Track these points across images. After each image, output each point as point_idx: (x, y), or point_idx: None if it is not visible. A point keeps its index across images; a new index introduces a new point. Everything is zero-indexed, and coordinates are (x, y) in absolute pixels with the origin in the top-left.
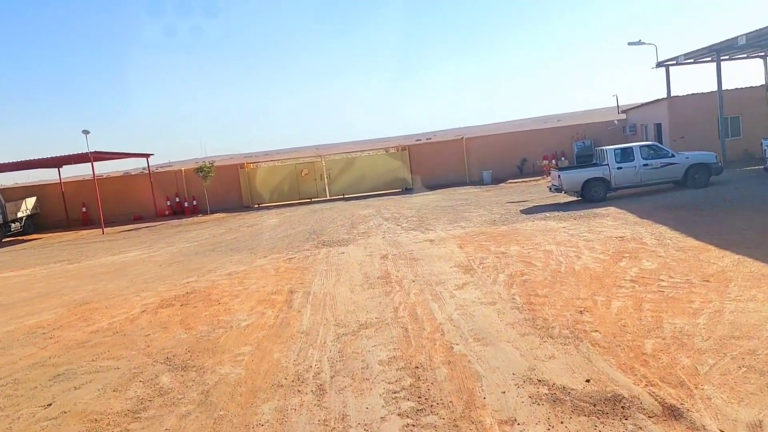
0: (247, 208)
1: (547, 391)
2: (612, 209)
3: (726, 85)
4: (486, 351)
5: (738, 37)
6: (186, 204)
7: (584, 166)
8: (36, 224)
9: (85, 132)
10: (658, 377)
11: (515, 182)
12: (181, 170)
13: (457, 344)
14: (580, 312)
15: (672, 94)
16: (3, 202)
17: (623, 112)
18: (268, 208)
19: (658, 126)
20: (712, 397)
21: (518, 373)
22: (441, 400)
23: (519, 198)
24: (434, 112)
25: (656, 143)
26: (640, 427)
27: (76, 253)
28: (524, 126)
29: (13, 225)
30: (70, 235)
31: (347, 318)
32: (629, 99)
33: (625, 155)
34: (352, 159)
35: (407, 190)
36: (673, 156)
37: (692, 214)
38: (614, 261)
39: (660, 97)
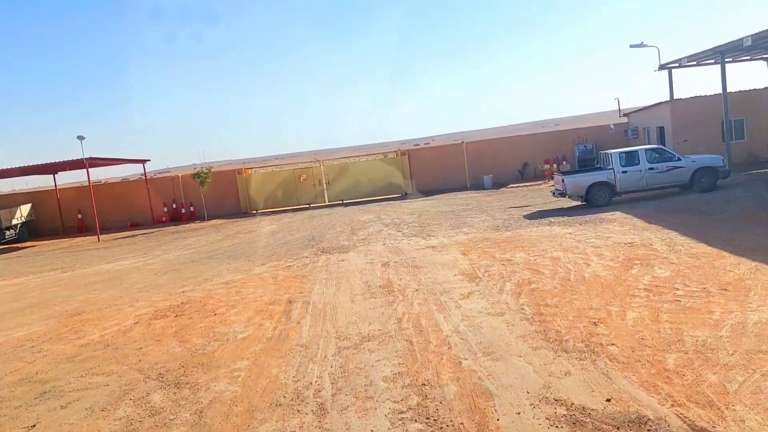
0: (244, 214)
1: (565, 412)
2: (618, 214)
3: (728, 88)
4: (497, 366)
5: (743, 38)
6: (183, 210)
7: (588, 170)
8: (31, 231)
9: (80, 138)
10: (685, 396)
11: (517, 187)
12: (178, 176)
13: (465, 359)
14: (594, 323)
15: (675, 97)
16: None
17: (625, 115)
18: (266, 214)
19: (661, 129)
20: (746, 419)
21: (533, 392)
22: (451, 421)
23: (521, 203)
24: (432, 116)
25: (662, 146)
26: None
27: (70, 261)
28: (522, 130)
29: (7, 232)
30: (65, 243)
31: (348, 330)
32: (631, 102)
33: (630, 159)
34: (350, 164)
35: (407, 195)
36: (679, 159)
37: (702, 218)
38: (625, 268)
39: (662, 100)
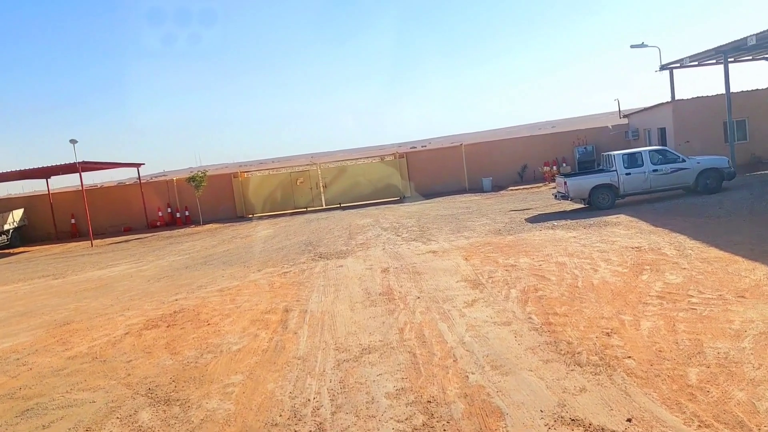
0: (240, 218)
1: None
2: (623, 217)
3: (723, 89)
4: (506, 382)
5: (747, 37)
6: (178, 215)
7: (591, 172)
8: (24, 237)
9: (73, 141)
10: (712, 416)
11: (516, 189)
12: (173, 180)
13: (472, 373)
14: (607, 334)
15: (676, 98)
16: None
17: (625, 116)
18: (262, 218)
19: (662, 130)
20: None
21: (547, 410)
22: None
23: (522, 206)
24: (429, 119)
25: (666, 148)
26: None
27: (62, 267)
28: (518, 132)
29: None
30: (57, 248)
31: (348, 341)
32: (630, 103)
33: (634, 161)
34: (348, 167)
35: (405, 198)
36: (683, 161)
37: (710, 221)
38: (635, 274)
39: (663, 100)
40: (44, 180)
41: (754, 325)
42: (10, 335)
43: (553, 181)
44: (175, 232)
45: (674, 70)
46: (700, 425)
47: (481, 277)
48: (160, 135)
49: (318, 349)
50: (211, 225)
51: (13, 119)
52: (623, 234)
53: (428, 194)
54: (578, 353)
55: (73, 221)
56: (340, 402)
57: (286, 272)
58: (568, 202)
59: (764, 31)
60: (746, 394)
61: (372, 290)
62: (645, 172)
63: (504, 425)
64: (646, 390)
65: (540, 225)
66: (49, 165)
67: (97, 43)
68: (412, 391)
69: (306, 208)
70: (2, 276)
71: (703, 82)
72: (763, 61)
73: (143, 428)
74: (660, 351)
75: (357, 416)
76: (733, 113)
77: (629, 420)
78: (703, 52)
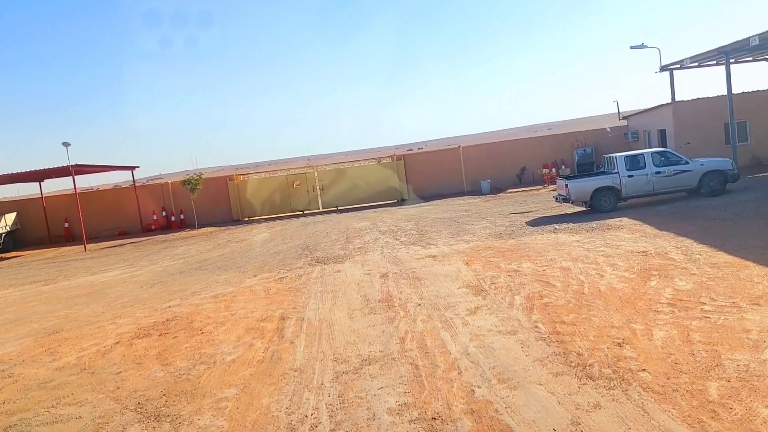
0: (236, 221)
1: None
2: (626, 220)
3: (722, 91)
4: (515, 397)
5: (750, 37)
6: (173, 218)
7: (592, 174)
8: (16, 241)
9: (66, 144)
10: None
11: (515, 192)
12: (168, 183)
13: (478, 387)
14: (619, 345)
15: (676, 99)
16: None
17: (624, 118)
18: (258, 221)
19: (662, 132)
20: None
21: (560, 429)
22: None
23: (522, 208)
24: (425, 121)
25: (669, 149)
26: None
27: (54, 272)
28: (514, 135)
29: None
30: (50, 252)
31: (347, 351)
32: (629, 105)
33: (636, 163)
34: (345, 169)
35: (403, 201)
36: (686, 163)
37: (716, 224)
38: (642, 280)
39: (663, 102)
40: (38, 184)
41: None
42: None
43: (553, 183)
44: (170, 235)
45: (674, 71)
46: None
47: (483, 283)
48: (156, 137)
49: (315, 360)
50: (206, 229)
51: (7, 122)
52: (628, 238)
53: (426, 197)
54: (590, 365)
55: (66, 225)
56: (339, 419)
57: (283, 278)
58: (569, 204)
59: (767, 32)
60: None
61: (371, 297)
62: (647, 175)
63: None
64: (665, 406)
65: (541, 228)
66: (42, 168)
67: (93, 45)
68: (415, 406)
69: (303, 211)
70: None
71: (701, 84)
72: (763, 62)
73: None
74: (676, 363)
75: None
76: (734, 114)
77: None
78: (704, 52)
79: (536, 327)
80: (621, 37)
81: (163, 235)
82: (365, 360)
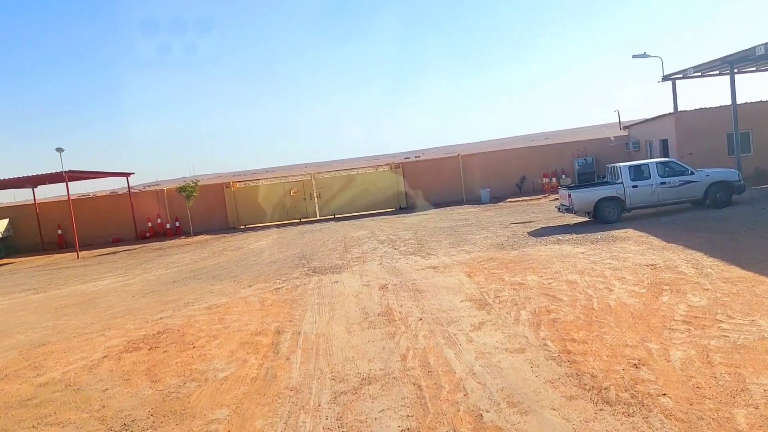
0: (232, 229)
1: None
2: (631, 231)
3: (728, 101)
4: (527, 423)
5: (756, 47)
6: (168, 225)
7: (596, 184)
8: (8, 247)
9: (59, 150)
10: None
11: (515, 201)
12: (164, 190)
13: (487, 411)
14: (635, 366)
15: (678, 109)
16: None
17: (625, 127)
18: (255, 229)
19: (664, 142)
20: None
21: None
22: None
23: (523, 218)
24: (423, 130)
25: (674, 160)
26: None
27: (45, 280)
28: (512, 145)
29: None
30: (42, 260)
31: (345, 369)
32: (629, 115)
33: (641, 173)
34: (343, 177)
35: (401, 209)
36: (692, 173)
37: (725, 237)
38: (654, 295)
39: (663, 112)
40: (32, 190)
41: None
42: None
43: (553, 193)
44: (165, 243)
45: (677, 81)
46: None
47: (487, 297)
48: (154, 144)
49: (312, 379)
50: (202, 236)
51: (2, 127)
52: (634, 250)
53: (425, 205)
54: (605, 389)
55: (59, 232)
56: None
57: (279, 288)
58: (572, 215)
59: None
60: None
61: (370, 310)
62: (652, 185)
63: None
64: None
65: (544, 239)
66: (34, 174)
67: (91, 52)
68: None
69: (300, 219)
70: None
71: (702, 94)
72: (767, 72)
73: None
74: (698, 387)
75: None
76: (738, 125)
77: None
78: (708, 62)
79: (545, 345)
80: (621, 46)
81: (158, 243)
82: (365, 379)
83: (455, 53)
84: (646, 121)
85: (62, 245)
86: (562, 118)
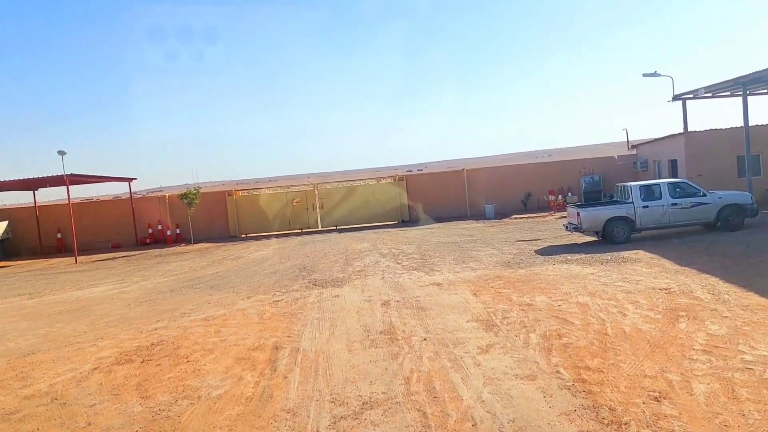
0: (233, 238)
1: None
2: (642, 253)
3: (734, 122)
4: None
5: None
6: (169, 232)
7: (605, 203)
8: (7, 250)
9: (61, 153)
10: None
11: (520, 218)
12: (165, 196)
13: None
14: (656, 399)
15: (688, 129)
16: None
17: (633, 146)
18: (256, 238)
19: (673, 162)
20: None
21: None
22: None
23: (529, 236)
24: (426, 143)
25: (686, 180)
26: None
27: (40, 285)
28: (516, 161)
29: None
30: (40, 264)
31: (345, 391)
32: (636, 134)
33: (651, 193)
34: (346, 188)
35: (404, 223)
36: (704, 195)
37: (740, 262)
38: (670, 321)
39: (674, 131)
40: (32, 192)
41: None
42: None
43: (559, 210)
44: (165, 250)
45: (687, 101)
46: None
47: (494, 318)
48: (158, 150)
49: (311, 400)
50: (202, 244)
51: (9, 131)
52: (646, 273)
53: (428, 219)
54: (626, 424)
55: (59, 235)
56: None
57: (278, 301)
58: (579, 234)
59: None
60: None
61: (372, 327)
62: (663, 206)
63: None
64: None
65: (552, 258)
66: (35, 176)
67: (97, 58)
68: None
69: (301, 229)
70: None
71: (713, 114)
72: None
73: None
74: (725, 426)
75: None
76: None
77: None
78: (720, 83)
79: (558, 372)
80: (631, 65)
81: (158, 250)
82: (366, 403)
83: (461, 68)
84: (655, 140)
85: (61, 249)
86: (567, 135)
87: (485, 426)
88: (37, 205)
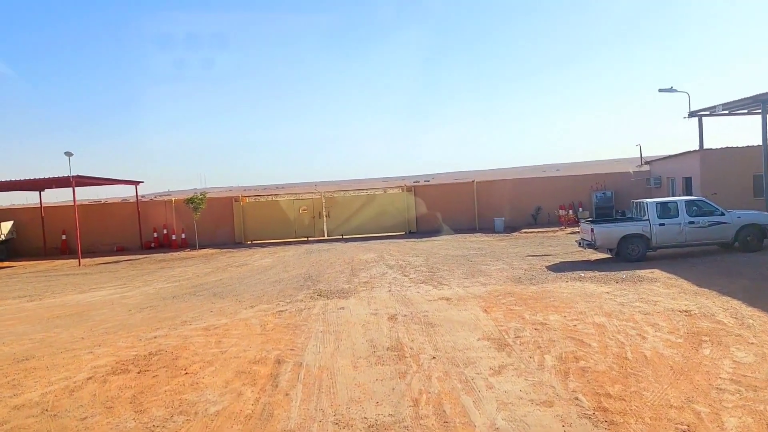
0: (239, 244)
1: None
2: (658, 272)
3: (750, 141)
4: None
5: None
6: (174, 237)
7: (619, 219)
8: (11, 250)
9: (68, 154)
10: None
11: (530, 232)
12: (171, 200)
13: None
14: None
15: (704, 146)
16: None
17: (647, 163)
18: (261, 245)
19: (688, 180)
20: None
21: None
22: None
23: (540, 251)
24: (434, 155)
25: (703, 199)
26: None
27: (42, 287)
28: (523, 174)
29: None
30: (43, 265)
31: (350, 411)
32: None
33: (668, 210)
34: (353, 198)
35: (411, 234)
36: (722, 214)
37: (761, 284)
38: (693, 347)
39: (688, 149)
40: (38, 193)
41: None
42: None
43: (570, 225)
44: (169, 255)
45: (703, 118)
46: None
47: (506, 336)
48: (166, 154)
49: (313, 421)
50: (207, 250)
51: (22, 135)
52: (664, 293)
53: (436, 231)
54: None
55: (63, 237)
56: None
57: (282, 311)
58: (592, 250)
59: None
60: None
61: (378, 343)
62: (680, 224)
63: None
64: None
65: (565, 275)
66: (42, 177)
67: (108, 64)
68: None
69: (307, 237)
70: None
71: (716, 131)
72: None
73: None
74: None
75: None
76: (762, 167)
77: None
78: (738, 100)
79: (576, 399)
80: (645, 80)
81: (162, 254)
82: (372, 426)
83: (472, 80)
84: (669, 157)
85: (65, 251)
86: (577, 150)
87: None
88: (42, 206)
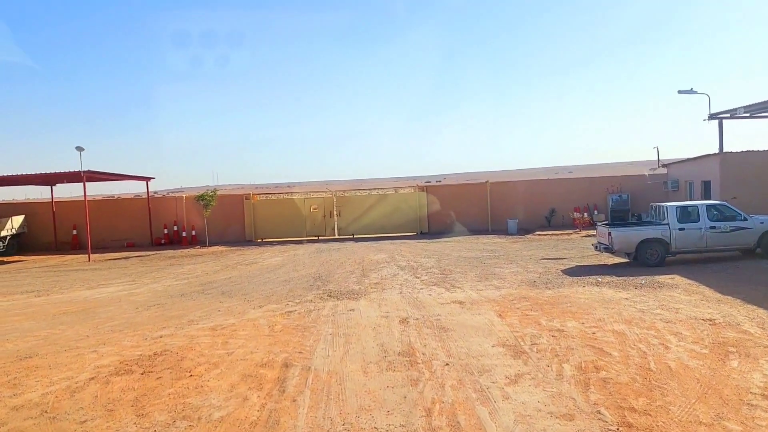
0: (249, 242)
1: None
2: (678, 278)
3: (763, 145)
4: None
5: None
6: (184, 234)
7: (637, 223)
8: (22, 245)
9: (79, 149)
10: None
11: (544, 234)
12: (182, 197)
13: None
14: None
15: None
16: None
17: (664, 165)
18: (271, 243)
19: (706, 184)
20: None
21: None
22: None
23: (555, 254)
24: (447, 155)
25: (725, 203)
26: None
27: (50, 282)
28: (535, 176)
29: None
30: (53, 260)
31: (360, 420)
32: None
33: (688, 215)
34: (364, 197)
35: (423, 234)
36: (745, 219)
37: None
38: (719, 358)
39: (705, 152)
40: (50, 188)
41: None
42: None
43: (585, 228)
44: (179, 252)
45: (723, 120)
46: None
47: (522, 343)
48: (180, 151)
49: (321, 430)
50: (217, 247)
51: (37, 131)
52: (685, 300)
53: (448, 232)
54: None
55: (74, 232)
56: None
57: (290, 312)
58: (608, 254)
59: None
60: None
61: (389, 347)
62: (701, 229)
63: None
64: None
65: (581, 279)
66: (53, 172)
67: (123, 61)
68: None
69: (318, 236)
70: None
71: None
72: None
73: None
74: None
75: None
76: None
77: None
78: (761, 102)
79: (598, 412)
80: (663, 82)
81: (172, 251)
82: None
83: (488, 81)
84: (688, 160)
85: (76, 246)
86: (592, 151)
87: None
88: (54, 200)
